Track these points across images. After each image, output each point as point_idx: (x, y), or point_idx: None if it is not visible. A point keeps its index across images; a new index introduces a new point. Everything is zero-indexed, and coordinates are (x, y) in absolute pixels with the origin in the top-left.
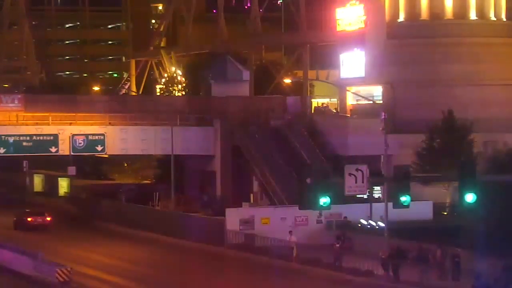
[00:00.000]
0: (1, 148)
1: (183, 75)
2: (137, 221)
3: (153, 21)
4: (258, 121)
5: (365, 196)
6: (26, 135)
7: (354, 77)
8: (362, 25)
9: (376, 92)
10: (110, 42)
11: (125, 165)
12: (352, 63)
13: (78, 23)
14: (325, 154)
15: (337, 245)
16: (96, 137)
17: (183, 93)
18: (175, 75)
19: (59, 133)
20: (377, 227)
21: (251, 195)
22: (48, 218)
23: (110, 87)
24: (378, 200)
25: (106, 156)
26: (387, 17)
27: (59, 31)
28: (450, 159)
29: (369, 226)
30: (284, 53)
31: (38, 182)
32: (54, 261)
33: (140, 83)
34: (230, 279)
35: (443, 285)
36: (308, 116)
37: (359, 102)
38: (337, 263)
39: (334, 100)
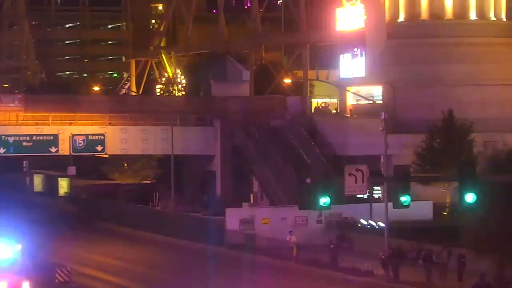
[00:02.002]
0: (1, 148)
1: (183, 75)
2: (137, 221)
3: (153, 21)
4: (258, 121)
5: (365, 196)
6: (26, 135)
7: (354, 77)
8: (362, 25)
9: (376, 92)
10: (110, 42)
11: (125, 165)
12: (352, 63)
13: (78, 23)
14: (325, 154)
15: (332, 246)
16: (96, 137)
17: (183, 93)
18: (175, 75)
19: (59, 133)
20: (377, 227)
21: (251, 195)
22: None
23: (110, 87)
24: (378, 200)
25: (106, 156)
26: (387, 17)
27: (59, 31)
28: (450, 159)
29: (369, 226)
30: (284, 53)
31: (38, 182)
32: (54, 261)
33: (140, 83)
34: (230, 279)
35: (445, 285)
36: (308, 116)
37: (359, 102)
38: (334, 263)
39: (334, 100)
